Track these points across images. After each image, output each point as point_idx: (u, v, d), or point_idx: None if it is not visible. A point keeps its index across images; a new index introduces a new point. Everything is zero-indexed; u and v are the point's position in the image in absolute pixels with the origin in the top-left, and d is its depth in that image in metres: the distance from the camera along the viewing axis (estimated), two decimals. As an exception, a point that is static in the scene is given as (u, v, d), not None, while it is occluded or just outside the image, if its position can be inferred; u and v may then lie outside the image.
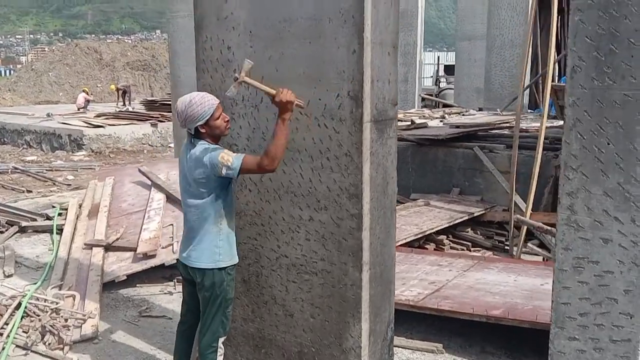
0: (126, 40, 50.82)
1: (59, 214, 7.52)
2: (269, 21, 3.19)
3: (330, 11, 2.95)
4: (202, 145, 2.97)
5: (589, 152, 2.35)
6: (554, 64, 6.29)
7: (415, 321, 4.41)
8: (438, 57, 32.08)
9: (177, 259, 3.24)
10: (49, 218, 7.46)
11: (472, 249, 6.42)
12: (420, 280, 4.73)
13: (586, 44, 2.33)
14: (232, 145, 3.39)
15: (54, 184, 11.17)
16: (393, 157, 3.27)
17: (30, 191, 10.34)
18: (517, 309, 4.07)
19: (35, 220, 7.39)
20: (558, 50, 15.13)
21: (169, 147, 15.79)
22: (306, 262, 3.27)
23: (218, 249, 3.07)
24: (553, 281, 2.50)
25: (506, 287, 4.54)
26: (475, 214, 6.78)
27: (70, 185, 11.01)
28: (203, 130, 2.98)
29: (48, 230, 7.09)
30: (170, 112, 15.54)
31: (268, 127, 3.31)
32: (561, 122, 9.68)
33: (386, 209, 3.24)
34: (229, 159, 2.87)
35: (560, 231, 2.44)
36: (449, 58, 34.16)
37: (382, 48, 3.03)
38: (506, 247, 6.43)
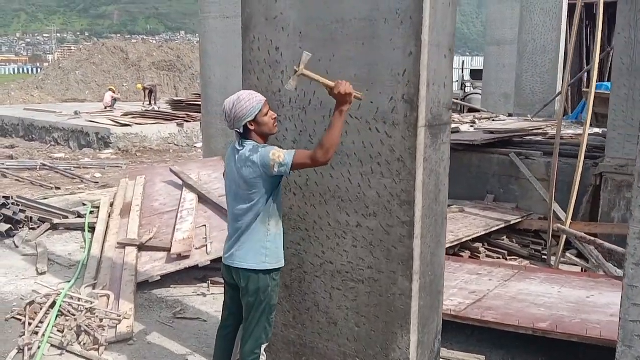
0: (151, 41, 51.22)
1: (91, 212, 7.53)
2: (321, 22, 3.12)
3: (386, 12, 2.87)
4: (251, 144, 2.92)
5: (666, 163, 2.23)
6: (592, 70, 6.12)
7: (455, 331, 4.28)
8: (463, 62, 31.72)
9: (222, 262, 3.17)
10: (80, 216, 7.47)
11: (508, 257, 6.27)
12: (460, 290, 4.61)
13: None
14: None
15: (82, 181, 11.24)
16: (446, 164, 3.17)
17: (59, 188, 10.40)
18: (564, 322, 3.94)
19: (67, 217, 7.40)
20: (588, 57, 14.86)
21: (195, 147, 15.83)
22: (352, 270, 3.18)
23: (265, 250, 3.01)
24: (621, 297, 2.38)
25: (550, 298, 4.40)
26: (511, 222, 6.62)
27: (98, 183, 11.07)
28: (252, 128, 2.92)
29: (80, 228, 7.11)
30: (197, 112, 15.57)
31: (316, 130, 3.24)
32: (596, 130, 9.47)
33: (437, 217, 3.14)
34: (280, 155, 2.82)
35: (631, 246, 2.32)
36: (474, 63, 33.79)
37: (439, 50, 2.93)
38: (543, 257, 6.26)
